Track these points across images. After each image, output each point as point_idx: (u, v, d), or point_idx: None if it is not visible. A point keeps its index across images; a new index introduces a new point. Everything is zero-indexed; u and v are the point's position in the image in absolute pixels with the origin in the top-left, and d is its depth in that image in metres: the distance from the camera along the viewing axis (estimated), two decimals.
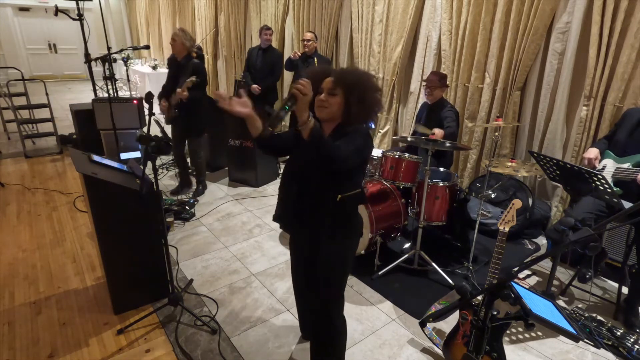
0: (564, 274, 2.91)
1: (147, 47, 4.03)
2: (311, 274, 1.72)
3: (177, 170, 4.22)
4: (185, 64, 3.64)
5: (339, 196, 1.57)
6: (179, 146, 3.96)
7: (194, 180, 4.26)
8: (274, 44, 6.31)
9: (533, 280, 2.86)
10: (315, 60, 4.62)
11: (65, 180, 4.54)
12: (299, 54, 4.80)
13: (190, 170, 4.35)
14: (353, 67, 1.66)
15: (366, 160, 1.66)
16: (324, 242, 1.64)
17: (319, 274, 1.67)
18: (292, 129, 1.69)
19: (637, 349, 2.11)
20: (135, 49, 4.60)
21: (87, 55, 4.36)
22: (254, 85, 4.94)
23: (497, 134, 2.71)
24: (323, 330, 1.74)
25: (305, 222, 1.70)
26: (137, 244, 2.31)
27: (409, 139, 2.84)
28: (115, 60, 7.94)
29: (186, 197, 4.00)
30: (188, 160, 4.23)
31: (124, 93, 7.55)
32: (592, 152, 2.44)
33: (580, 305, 2.47)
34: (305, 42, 4.66)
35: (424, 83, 3.33)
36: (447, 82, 3.43)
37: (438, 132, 2.93)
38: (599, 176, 2.12)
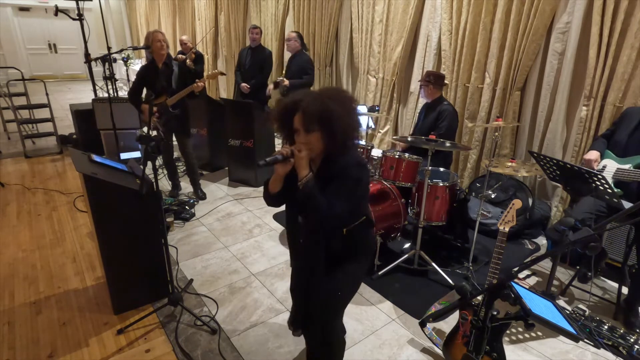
0: (564, 274, 2.91)
1: (147, 47, 4.03)
2: (315, 296, 1.65)
3: (166, 173, 4.14)
4: (165, 68, 3.56)
5: (345, 230, 1.53)
6: (170, 150, 3.91)
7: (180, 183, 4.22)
8: (274, 44, 6.33)
9: (533, 280, 2.86)
10: (285, 60, 4.72)
11: (65, 180, 4.54)
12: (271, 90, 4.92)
13: (181, 171, 4.34)
14: (319, 93, 1.47)
15: (365, 194, 1.58)
16: (333, 271, 1.58)
17: (326, 297, 1.61)
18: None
19: (637, 349, 2.11)
20: (135, 49, 4.60)
21: (87, 55, 4.36)
22: (243, 84, 4.94)
23: (497, 134, 2.71)
24: (324, 342, 1.70)
25: (313, 254, 1.62)
26: (137, 244, 2.31)
27: (409, 139, 2.84)
28: (115, 60, 7.95)
29: (186, 197, 4.00)
30: (177, 164, 4.19)
31: (124, 93, 7.55)
32: (593, 154, 2.43)
33: (580, 305, 2.47)
34: (287, 42, 4.74)
35: (420, 83, 3.35)
36: (445, 82, 3.42)
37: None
38: (599, 176, 2.12)
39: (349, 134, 1.46)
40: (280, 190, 1.54)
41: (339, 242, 1.55)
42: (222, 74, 3.88)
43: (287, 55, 6.21)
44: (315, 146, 1.45)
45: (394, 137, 3.93)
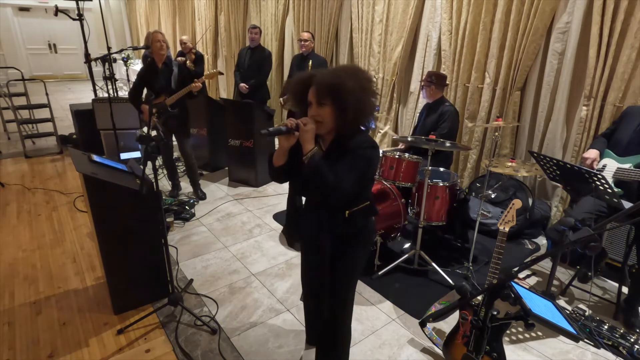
0: (564, 274, 2.91)
1: (147, 47, 4.03)
2: (322, 281, 1.69)
3: (165, 173, 4.15)
4: (165, 68, 3.57)
5: (347, 212, 1.51)
6: (169, 150, 3.91)
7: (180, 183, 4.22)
8: (274, 44, 6.33)
9: (533, 280, 2.86)
10: (310, 62, 4.63)
11: (65, 180, 4.54)
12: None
13: (181, 171, 4.34)
14: (335, 68, 1.47)
15: (372, 177, 1.57)
16: (335, 254, 1.60)
17: (330, 283, 1.64)
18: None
19: (637, 349, 2.11)
20: (135, 49, 4.60)
21: (87, 55, 4.36)
22: (242, 84, 4.93)
23: (497, 134, 2.71)
24: (330, 336, 1.72)
25: (315, 236, 1.64)
26: (137, 244, 2.31)
27: (409, 139, 2.84)
28: (115, 60, 7.96)
29: (186, 197, 4.00)
30: (177, 164, 4.19)
31: (124, 93, 7.56)
32: (592, 153, 2.43)
33: (580, 305, 2.47)
34: (302, 42, 4.66)
35: (421, 83, 3.36)
36: (446, 82, 3.43)
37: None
38: (599, 176, 2.12)
39: (362, 111, 1.42)
40: (283, 166, 1.51)
41: (341, 227, 1.54)
42: (220, 73, 3.88)
43: (288, 55, 6.23)
44: (326, 121, 1.42)
45: (394, 137, 3.93)
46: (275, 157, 1.50)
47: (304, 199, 1.69)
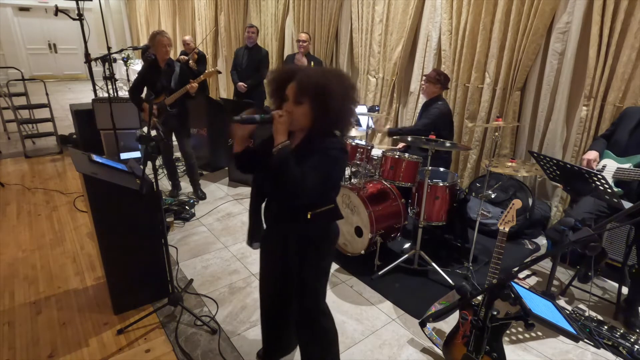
0: (564, 274, 2.91)
1: (147, 47, 4.03)
2: (284, 284, 1.70)
3: (165, 173, 4.15)
4: (167, 68, 3.57)
5: (310, 213, 1.49)
6: (169, 150, 3.90)
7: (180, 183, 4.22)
8: (274, 44, 6.33)
9: (533, 280, 2.86)
10: (312, 63, 4.66)
11: (65, 180, 4.54)
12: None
13: (181, 171, 4.35)
14: (321, 68, 1.53)
15: (338, 181, 1.57)
16: (296, 255, 1.59)
17: (295, 284, 1.63)
18: (260, 141, 1.61)
19: (637, 349, 2.11)
20: (135, 49, 4.60)
21: (87, 55, 4.37)
22: (240, 83, 4.97)
23: (497, 134, 2.71)
24: (307, 333, 1.70)
25: (275, 237, 1.65)
26: (137, 244, 2.31)
27: (409, 139, 2.85)
28: (115, 60, 7.95)
29: (186, 197, 4.00)
30: (177, 164, 4.20)
31: (124, 93, 7.56)
32: (592, 154, 2.44)
33: (580, 305, 2.47)
34: (301, 43, 4.68)
35: (423, 78, 3.36)
36: (448, 86, 3.42)
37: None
38: (599, 176, 2.12)
39: (342, 117, 1.43)
40: (241, 155, 1.54)
41: (303, 228, 1.53)
42: (218, 72, 3.89)
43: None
44: (299, 121, 1.42)
45: (394, 137, 3.92)
46: (235, 143, 1.54)
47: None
